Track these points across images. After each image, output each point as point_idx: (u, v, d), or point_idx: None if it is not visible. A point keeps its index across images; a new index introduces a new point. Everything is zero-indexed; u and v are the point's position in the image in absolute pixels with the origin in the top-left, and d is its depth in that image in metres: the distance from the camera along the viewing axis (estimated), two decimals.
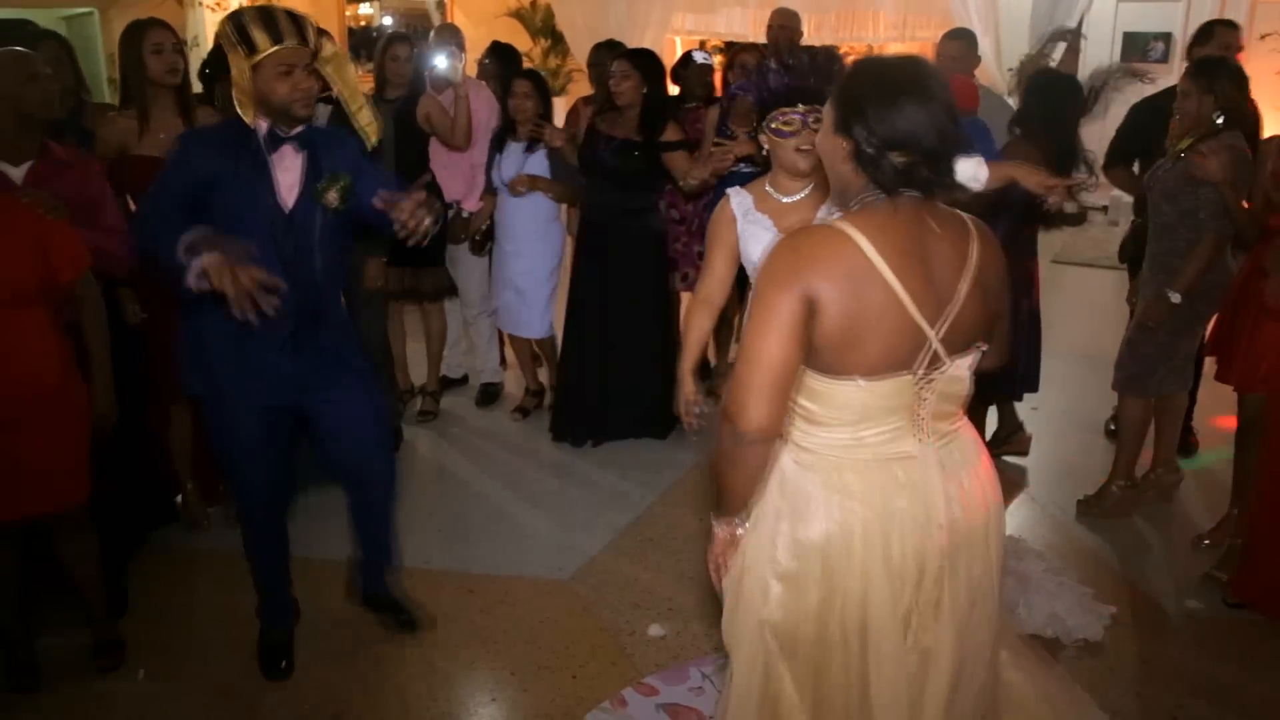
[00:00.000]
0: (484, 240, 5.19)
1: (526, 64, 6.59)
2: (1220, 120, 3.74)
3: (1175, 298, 3.80)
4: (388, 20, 12.10)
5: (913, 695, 2.00)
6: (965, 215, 1.95)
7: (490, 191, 5.09)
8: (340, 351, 3.05)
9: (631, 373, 4.86)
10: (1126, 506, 4.21)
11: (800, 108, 2.70)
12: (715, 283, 2.93)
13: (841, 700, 2.01)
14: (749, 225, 2.80)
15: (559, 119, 5.66)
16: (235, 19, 2.69)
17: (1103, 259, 8.64)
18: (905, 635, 1.97)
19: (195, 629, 3.47)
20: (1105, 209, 10.16)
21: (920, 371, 1.88)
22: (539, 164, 4.92)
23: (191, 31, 10.12)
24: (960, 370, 1.95)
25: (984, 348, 2.00)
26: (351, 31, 11.37)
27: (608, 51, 5.53)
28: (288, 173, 2.81)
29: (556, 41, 10.60)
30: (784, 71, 2.79)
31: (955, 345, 1.91)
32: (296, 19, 2.73)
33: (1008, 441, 4.73)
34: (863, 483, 1.93)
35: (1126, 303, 4.32)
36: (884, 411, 1.90)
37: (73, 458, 2.97)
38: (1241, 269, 3.87)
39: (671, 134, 4.64)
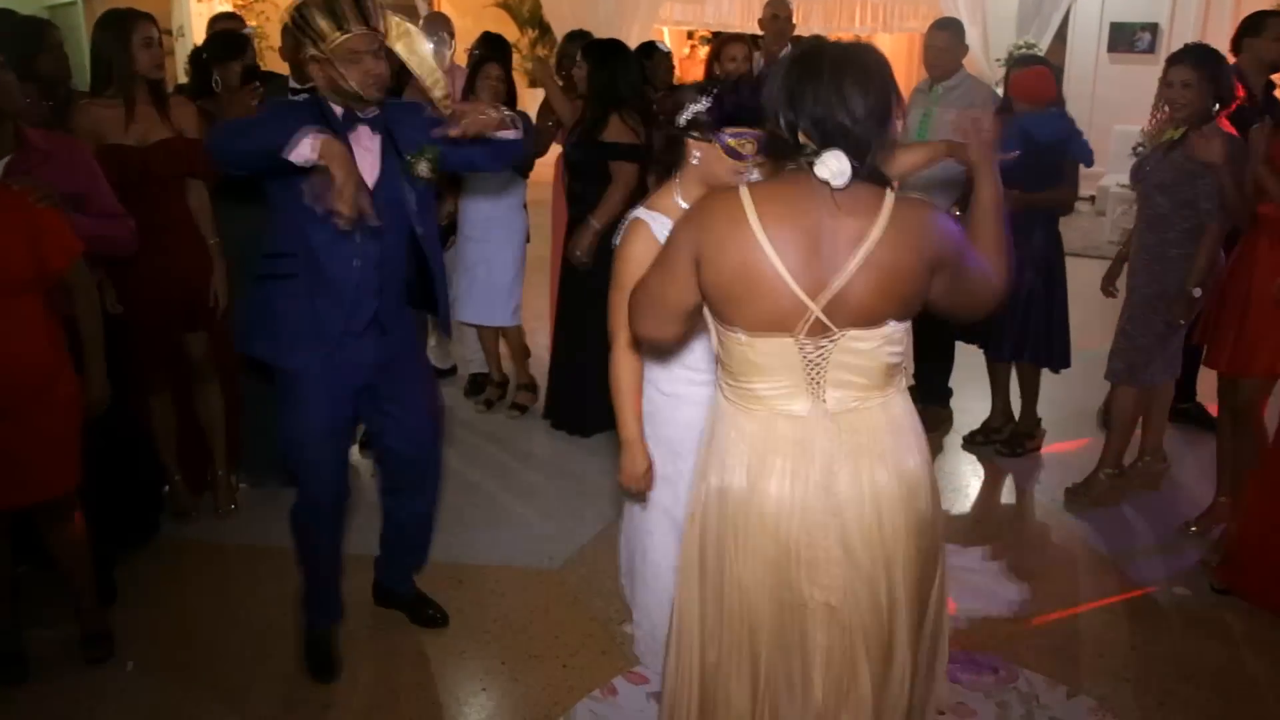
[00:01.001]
0: (446, 233, 5.12)
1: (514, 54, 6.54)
2: (1216, 109, 3.76)
3: (1197, 292, 3.82)
4: None
5: (799, 650, 2.08)
6: (893, 196, 1.94)
7: (454, 181, 5.06)
8: (414, 339, 3.11)
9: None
10: (1114, 494, 4.23)
11: (757, 131, 2.53)
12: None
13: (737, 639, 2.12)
14: None
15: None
16: (300, 10, 2.70)
17: (1090, 249, 8.67)
18: (782, 585, 2.04)
19: (184, 620, 3.45)
20: (1093, 199, 10.20)
21: (803, 337, 1.94)
22: None
23: (176, 22, 10.08)
24: (862, 343, 1.97)
25: (893, 324, 1.99)
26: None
27: (579, 42, 5.46)
28: (366, 152, 2.83)
29: (544, 32, 10.59)
30: (752, 89, 2.54)
31: (850, 318, 1.94)
32: (360, 2, 2.72)
33: (1031, 437, 4.76)
34: (753, 430, 2.04)
35: (1101, 291, 4.35)
36: (770, 369, 1.99)
37: (63, 445, 2.96)
38: (1230, 257, 3.88)
39: (616, 132, 4.50)
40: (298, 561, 3.17)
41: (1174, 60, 3.85)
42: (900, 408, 2.09)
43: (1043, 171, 4.25)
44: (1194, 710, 3.00)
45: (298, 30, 2.70)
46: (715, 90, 2.62)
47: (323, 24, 2.65)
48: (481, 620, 3.44)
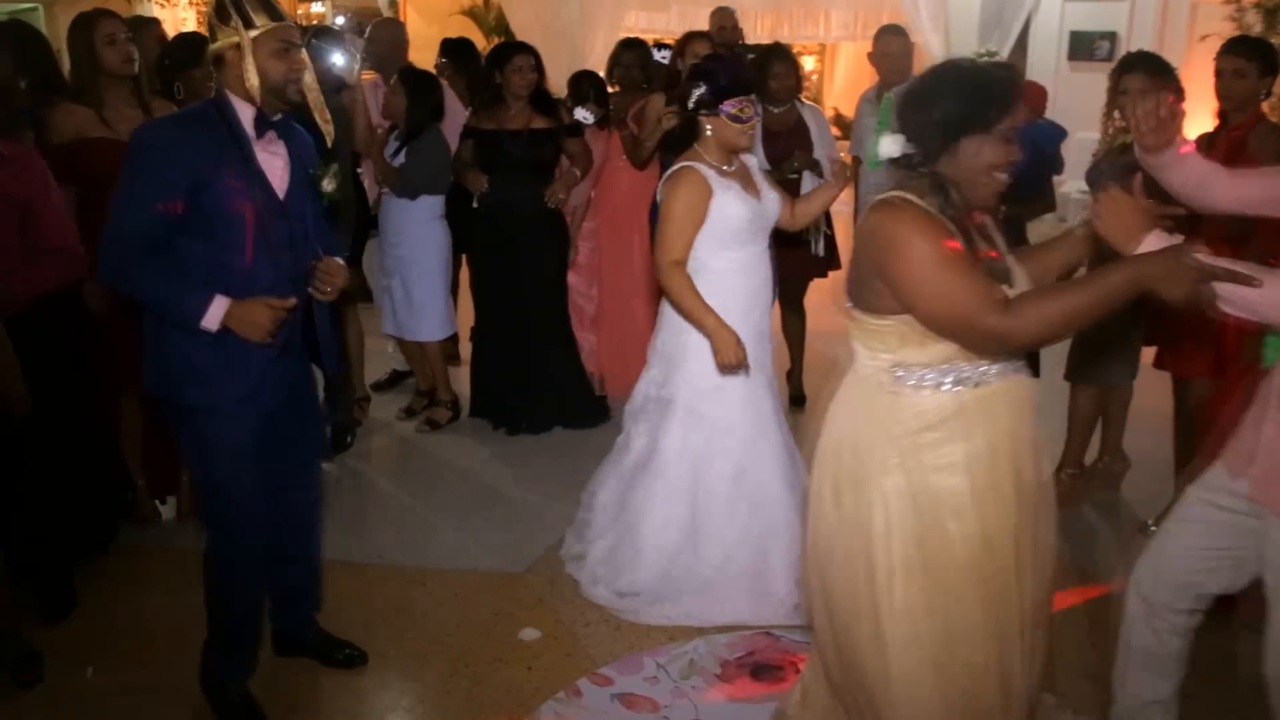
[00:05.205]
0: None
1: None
2: None
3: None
4: (340, 19, 12.01)
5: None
6: None
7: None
8: (309, 359, 2.96)
9: (552, 363, 4.98)
10: (1076, 494, 4.27)
11: (752, 96, 3.20)
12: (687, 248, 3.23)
13: None
14: (724, 192, 3.21)
15: None
16: None
17: None
18: None
19: (145, 626, 3.42)
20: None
21: None
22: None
23: None
24: None
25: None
26: (303, 30, 11.25)
27: (632, 52, 5.39)
28: (275, 158, 2.68)
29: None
30: (737, 63, 3.23)
31: None
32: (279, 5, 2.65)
33: None
34: None
35: None
36: None
37: None
38: None
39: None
40: (212, 613, 2.92)
41: (1128, 69, 3.84)
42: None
43: (1031, 179, 4.36)
44: None
45: (224, 15, 2.55)
46: (707, 74, 3.19)
47: (254, 11, 2.54)
48: (445, 623, 3.43)
